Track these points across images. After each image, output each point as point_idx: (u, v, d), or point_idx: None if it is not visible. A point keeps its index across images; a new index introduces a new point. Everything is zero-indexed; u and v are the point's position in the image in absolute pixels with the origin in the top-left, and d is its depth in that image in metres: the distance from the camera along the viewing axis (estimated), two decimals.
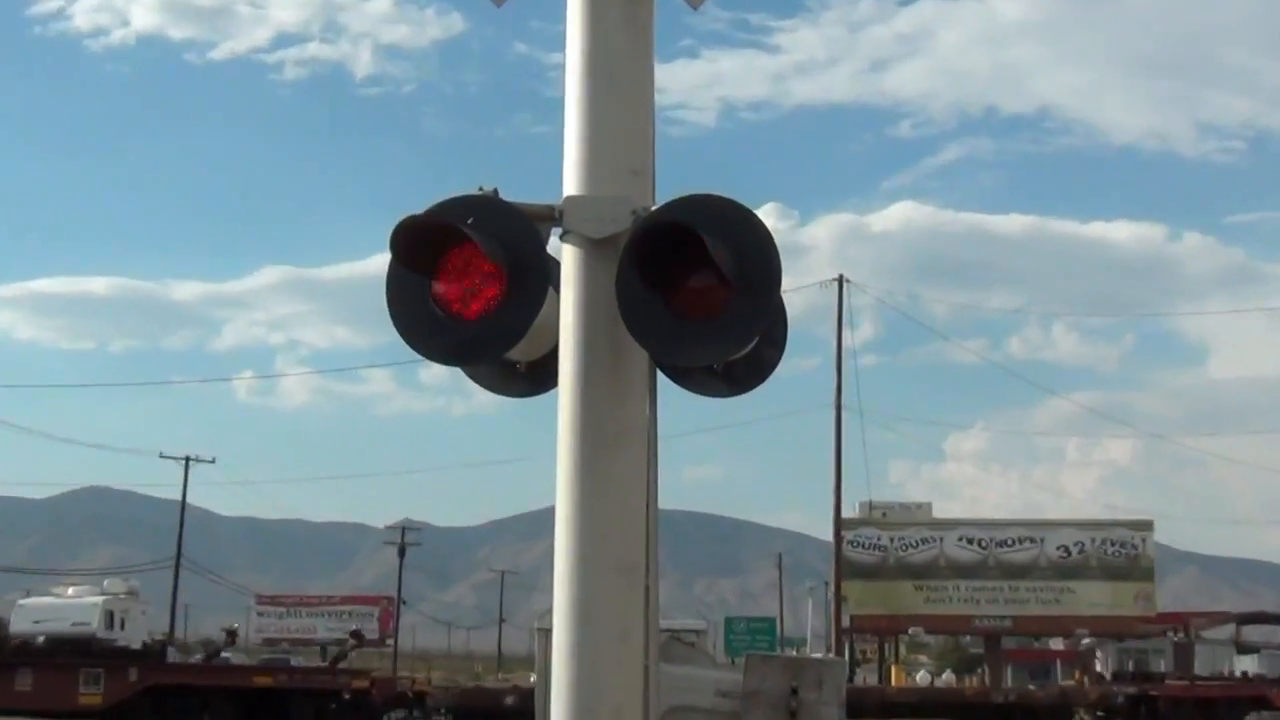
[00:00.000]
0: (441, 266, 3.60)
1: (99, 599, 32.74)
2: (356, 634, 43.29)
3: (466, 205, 3.62)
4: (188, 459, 55.51)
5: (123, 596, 34.31)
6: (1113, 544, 31.49)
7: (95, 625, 30.87)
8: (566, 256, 3.70)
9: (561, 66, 3.75)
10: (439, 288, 3.62)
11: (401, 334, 3.64)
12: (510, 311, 3.60)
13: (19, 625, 31.99)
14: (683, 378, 3.90)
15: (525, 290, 3.60)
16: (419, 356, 3.68)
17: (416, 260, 3.60)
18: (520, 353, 3.77)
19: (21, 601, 35.47)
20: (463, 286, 3.61)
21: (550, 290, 3.67)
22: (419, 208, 3.58)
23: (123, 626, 32.45)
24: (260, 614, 61.70)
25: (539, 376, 3.88)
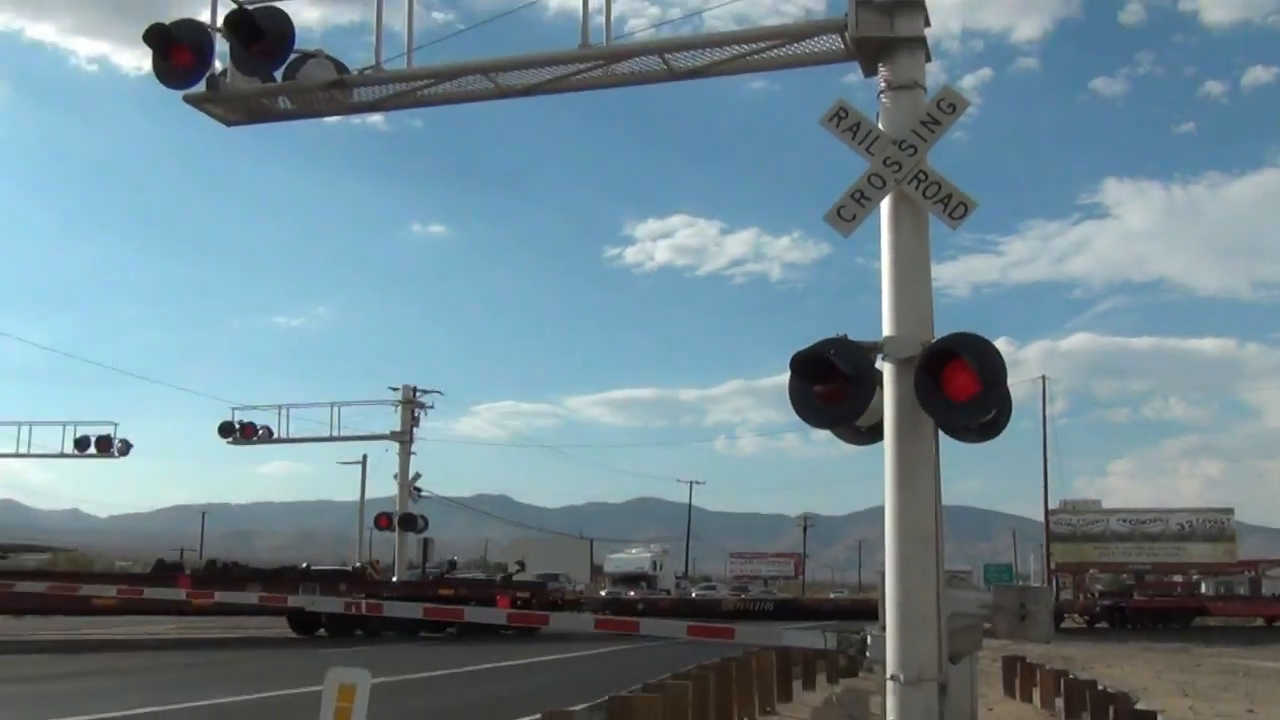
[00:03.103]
0: (819, 377, 6.44)
1: None
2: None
3: (831, 343, 6.46)
4: None
5: None
6: (1208, 521, 49.85)
7: None
8: (886, 369, 6.46)
9: (878, 264, 6.56)
10: (818, 388, 6.47)
11: (798, 414, 6.46)
12: (856, 399, 6.39)
13: None
14: (953, 433, 6.51)
15: (864, 387, 6.38)
16: (808, 427, 6.54)
17: (806, 374, 6.47)
18: (863, 421, 6.55)
19: None
20: (830, 386, 6.44)
21: (877, 387, 6.44)
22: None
23: None
24: None
25: (873, 433, 6.63)
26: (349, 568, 38.53)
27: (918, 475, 6.32)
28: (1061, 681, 13.72)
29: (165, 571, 34.48)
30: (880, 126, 6.55)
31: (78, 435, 37.44)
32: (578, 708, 7.69)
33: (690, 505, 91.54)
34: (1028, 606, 6.00)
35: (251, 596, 22.77)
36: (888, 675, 6.25)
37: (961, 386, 6.14)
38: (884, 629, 6.42)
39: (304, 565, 38.70)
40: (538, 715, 7.40)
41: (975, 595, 6.31)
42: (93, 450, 37.52)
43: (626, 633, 16.71)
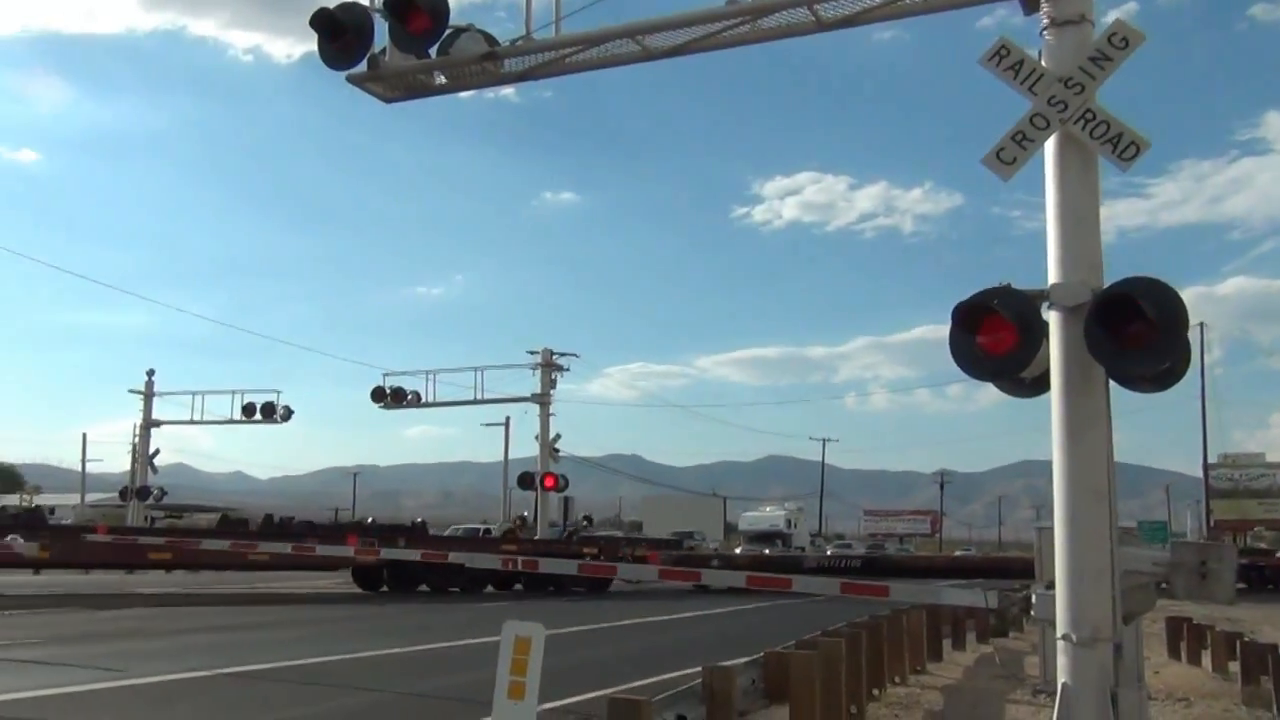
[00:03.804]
0: (981, 327, 6.22)
1: None
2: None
3: (994, 292, 6.22)
4: None
5: None
6: None
7: None
8: (1052, 318, 6.19)
9: (1042, 207, 6.27)
10: (980, 339, 6.24)
11: (960, 366, 6.28)
12: (1022, 350, 6.14)
13: None
14: (1127, 383, 6.19)
15: (1029, 338, 6.12)
16: (968, 378, 6.34)
17: (968, 324, 6.26)
18: (1028, 373, 6.30)
19: None
20: (993, 337, 6.21)
21: (1043, 337, 6.17)
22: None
23: None
24: None
25: (1038, 385, 6.38)
26: (488, 527, 39.96)
27: (1089, 427, 6.05)
28: (1237, 644, 13.02)
29: (229, 527, 36.43)
30: (1043, 65, 6.22)
31: (244, 402, 39.75)
32: (736, 661, 7.75)
33: (823, 462, 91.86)
34: (1209, 564, 5.69)
35: (414, 553, 23.99)
36: (1058, 635, 6.04)
37: (1137, 334, 5.83)
38: (1050, 587, 6.21)
39: (369, 520, 40.27)
40: (698, 668, 7.48)
41: (1149, 553, 6.02)
42: (258, 416, 39.77)
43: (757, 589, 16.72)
